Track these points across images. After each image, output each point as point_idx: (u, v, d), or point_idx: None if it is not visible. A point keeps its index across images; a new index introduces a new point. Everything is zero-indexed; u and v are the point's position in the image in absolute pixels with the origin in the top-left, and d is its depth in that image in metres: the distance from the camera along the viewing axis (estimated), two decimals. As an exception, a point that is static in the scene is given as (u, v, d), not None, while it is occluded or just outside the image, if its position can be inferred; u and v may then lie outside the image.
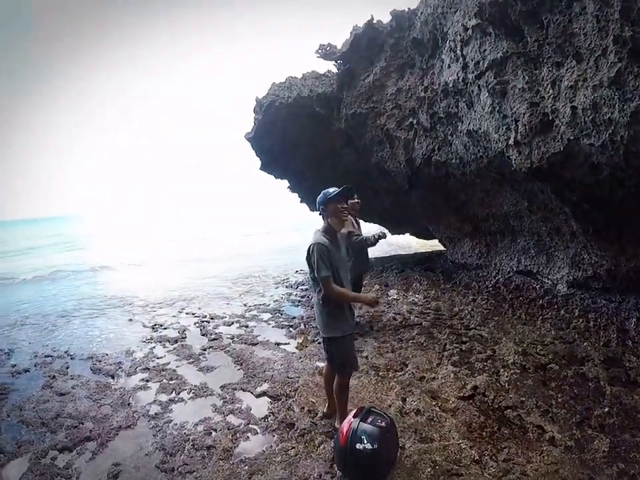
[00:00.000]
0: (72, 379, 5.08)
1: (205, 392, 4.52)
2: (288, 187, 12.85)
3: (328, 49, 8.27)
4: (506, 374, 4.32)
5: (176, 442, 3.57)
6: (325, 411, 3.76)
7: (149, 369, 5.22)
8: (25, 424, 4.05)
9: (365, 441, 2.73)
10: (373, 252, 7.67)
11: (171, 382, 4.82)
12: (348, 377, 3.36)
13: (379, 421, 2.89)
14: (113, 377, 5.06)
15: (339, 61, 8.33)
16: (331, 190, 3.09)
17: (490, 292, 7.27)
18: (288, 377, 4.65)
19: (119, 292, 10.82)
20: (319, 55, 8.32)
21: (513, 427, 3.45)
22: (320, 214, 3.22)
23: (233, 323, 7.05)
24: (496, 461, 3.03)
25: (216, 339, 6.21)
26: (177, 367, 5.27)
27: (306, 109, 8.85)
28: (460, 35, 5.05)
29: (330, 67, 8.79)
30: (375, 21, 7.54)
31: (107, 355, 5.83)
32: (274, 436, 3.58)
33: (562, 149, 4.04)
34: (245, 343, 5.94)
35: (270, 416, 3.91)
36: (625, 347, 4.69)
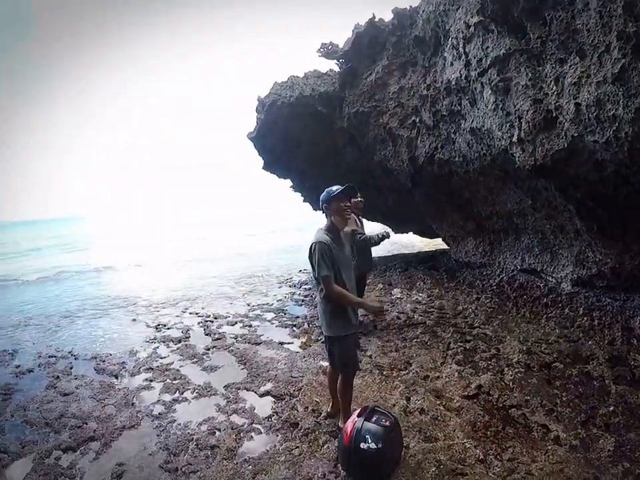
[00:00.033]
0: (76, 379, 5.08)
1: (208, 392, 4.51)
2: (291, 187, 12.86)
3: (330, 47, 8.27)
4: (510, 373, 4.30)
5: (180, 442, 3.57)
6: (328, 410, 3.74)
7: (152, 368, 5.22)
8: (28, 424, 4.06)
9: (369, 441, 2.71)
10: (377, 251, 7.66)
11: (174, 382, 4.82)
12: (352, 376, 3.34)
13: (383, 420, 2.88)
14: (116, 377, 5.06)
15: (340, 60, 8.33)
16: (334, 188, 3.07)
17: (494, 290, 7.25)
18: (292, 377, 4.64)
19: (122, 292, 10.84)
20: (320, 54, 8.31)
21: (517, 426, 3.43)
22: (323, 212, 3.21)
23: (236, 323, 7.05)
24: (501, 460, 3.01)
25: (219, 339, 6.20)
26: (180, 366, 5.27)
27: (308, 107, 8.85)
28: (462, 33, 5.04)
29: (332, 66, 8.79)
30: (376, 19, 7.52)
31: (111, 355, 5.83)
32: (278, 435, 3.57)
33: (566, 145, 4.03)
34: (249, 343, 5.94)
35: (274, 415, 3.90)
36: (630, 346, 4.66)
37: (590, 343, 4.86)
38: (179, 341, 6.23)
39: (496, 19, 4.39)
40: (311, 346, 5.64)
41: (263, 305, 8.22)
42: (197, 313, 7.89)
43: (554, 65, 3.95)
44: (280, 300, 8.58)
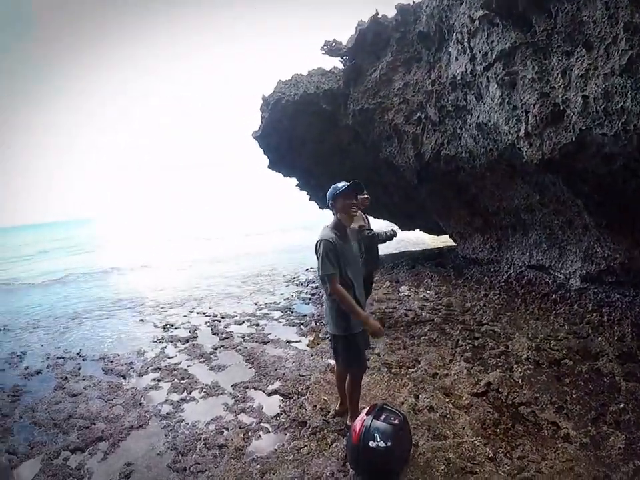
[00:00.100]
0: (84, 379, 5.11)
1: (216, 391, 4.51)
2: (296, 185, 12.85)
3: (333, 45, 8.24)
4: (519, 370, 4.27)
5: (188, 441, 3.57)
6: (337, 408, 3.73)
7: (160, 368, 5.24)
8: (37, 425, 4.08)
9: (378, 439, 2.69)
10: (384, 248, 7.63)
11: (182, 381, 4.83)
12: (359, 375, 3.32)
13: (392, 418, 2.86)
14: (124, 377, 5.08)
15: (344, 57, 8.30)
16: (340, 185, 3.05)
17: (502, 287, 7.20)
18: (299, 375, 4.63)
19: (129, 293, 10.90)
20: (324, 52, 8.29)
21: (527, 424, 3.39)
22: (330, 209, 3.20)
23: (243, 322, 7.06)
24: (510, 458, 2.98)
25: (227, 338, 6.21)
26: (188, 366, 5.28)
27: (312, 105, 8.83)
28: (467, 27, 4.99)
29: (336, 63, 8.77)
30: (379, 16, 7.48)
31: (119, 355, 5.86)
32: (286, 434, 3.56)
33: (574, 139, 3.98)
34: (256, 342, 5.94)
35: (282, 414, 3.89)
36: (640, 341, 4.61)
37: (599, 339, 4.81)
38: (187, 341, 6.24)
39: (501, 13, 4.34)
40: (318, 344, 5.63)
41: (270, 303, 8.23)
42: (204, 313, 7.92)
43: (560, 58, 3.90)
44: (287, 299, 8.58)
